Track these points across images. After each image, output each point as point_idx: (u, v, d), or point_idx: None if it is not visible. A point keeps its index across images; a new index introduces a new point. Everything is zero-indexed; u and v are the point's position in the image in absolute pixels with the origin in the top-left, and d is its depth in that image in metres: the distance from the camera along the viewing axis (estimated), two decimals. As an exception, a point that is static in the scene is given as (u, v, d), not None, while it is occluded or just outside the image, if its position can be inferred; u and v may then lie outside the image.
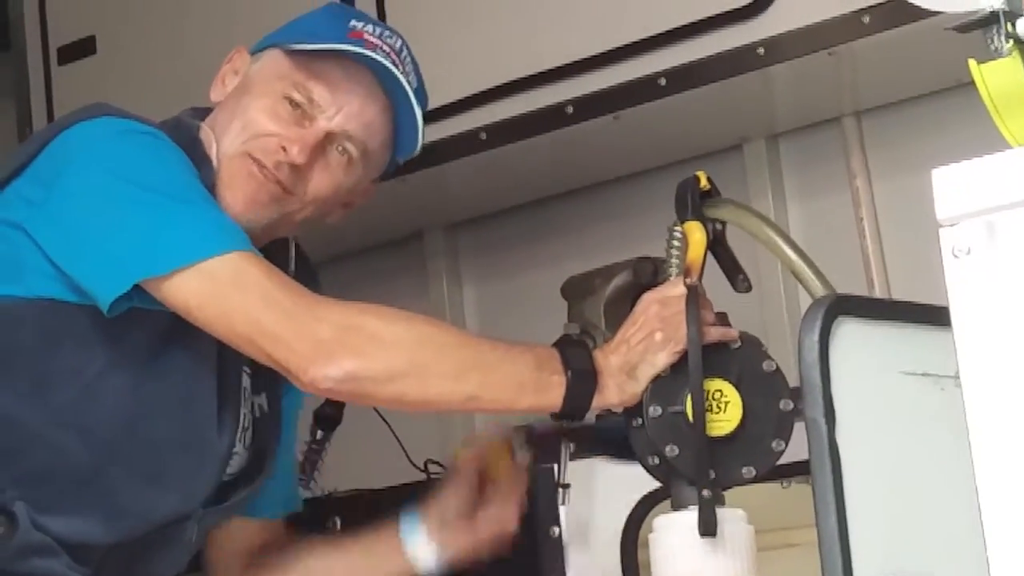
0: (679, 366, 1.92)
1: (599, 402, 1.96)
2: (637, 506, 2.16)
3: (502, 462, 2.18)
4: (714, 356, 1.92)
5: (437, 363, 1.93)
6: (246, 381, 2.14)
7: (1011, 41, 1.44)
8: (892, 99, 3.06)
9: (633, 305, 2.00)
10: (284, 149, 2.07)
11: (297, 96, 2.09)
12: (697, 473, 1.89)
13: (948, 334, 1.34)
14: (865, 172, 3.14)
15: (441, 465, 2.86)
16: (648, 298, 1.98)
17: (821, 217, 3.19)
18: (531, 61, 3.03)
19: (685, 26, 2.83)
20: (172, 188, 1.98)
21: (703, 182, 2.02)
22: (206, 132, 2.11)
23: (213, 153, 2.08)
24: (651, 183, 3.32)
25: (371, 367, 1.91)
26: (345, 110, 2.10)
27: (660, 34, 2.87)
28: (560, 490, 2.10)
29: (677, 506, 1.93)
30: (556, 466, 2.10)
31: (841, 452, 1.50)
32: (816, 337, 1.52)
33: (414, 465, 3.02)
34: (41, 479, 1.97)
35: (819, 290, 1.96)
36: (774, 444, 1.92)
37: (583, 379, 1.94)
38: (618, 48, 2.92)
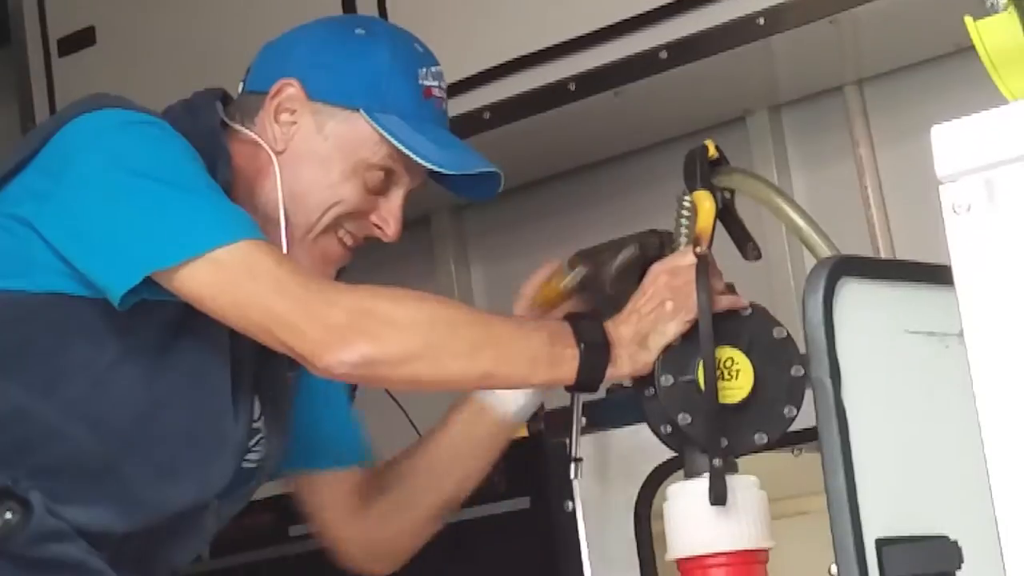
0: (690, 335, 1.92)
1: (612, 373, 1.96)
2: (650, 477, 2.16)
3: (556, 288, 2.15)
4: (725, 324, 1.92)
5: (451, 343, 1.93)
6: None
7: (1007, -4, 1.44)
8: (893, 66, 3.07)
9: (640, 278, 2.00)
10: (380, 228, 2.10)
11: (386, 165, 2.09)
12: (709, 441, 1.89)
13: (952, 292, 1.34)
14: (868, 140, 3.14)
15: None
16: (657, 268, 1.98)
17: (825, 187, 3.20)
18: (532, 39, 3.03)
19: (684, -1, 2.85)
20: (178, 178, 1.96)
21: (712, 151, 2.01)
22: (251, 152, 2.10)
23: (278, 195, 2.08)
24: (655, 158, 3.33)
25: (386, 350, 1.91)
26: (424, 168, 2.10)
27: (660, 7, 2.87)
28: (573, 464, 2.10)
29: (690, 474, 1.93)
30: (568, 440, 2.10)
31: (848, 411, 1.50)
32: (820, 297, 1.52)
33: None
34: (55, 471, 1.96)
35: (830, 257, 1.96)
36: (786, 410, 1.92)
37: (596, 351, 1.94)
38: (618, 23, 2.93)
